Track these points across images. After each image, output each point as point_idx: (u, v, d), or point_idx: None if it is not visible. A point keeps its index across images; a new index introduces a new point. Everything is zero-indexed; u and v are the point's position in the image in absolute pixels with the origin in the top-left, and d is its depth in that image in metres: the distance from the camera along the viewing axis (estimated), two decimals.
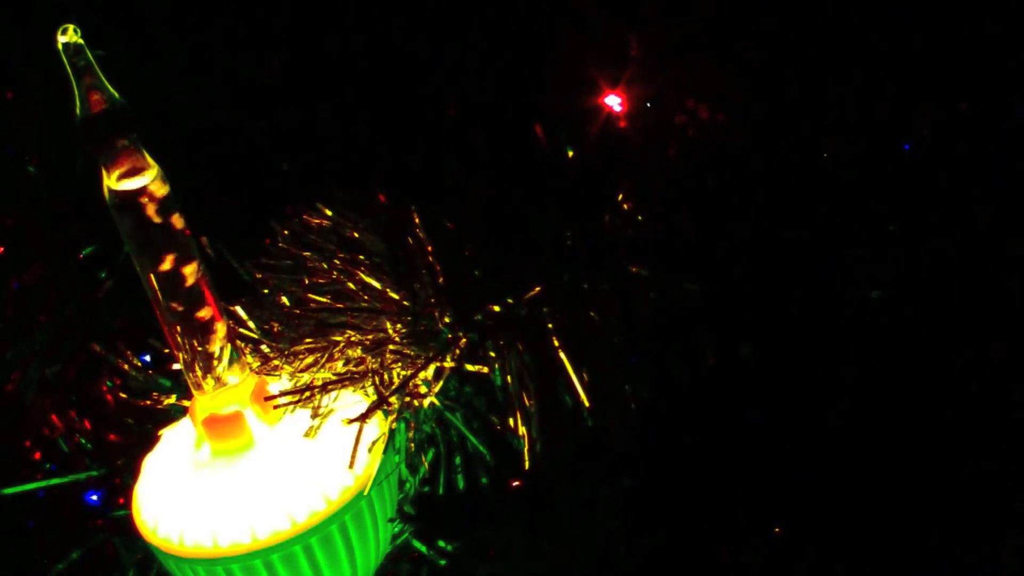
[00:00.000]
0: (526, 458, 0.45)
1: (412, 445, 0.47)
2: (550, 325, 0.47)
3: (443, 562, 0.50)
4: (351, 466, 0.45)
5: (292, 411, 0.47)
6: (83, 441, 0.59)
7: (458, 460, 0.49)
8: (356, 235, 0.53)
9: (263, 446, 0.46)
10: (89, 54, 0.40)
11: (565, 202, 0.52)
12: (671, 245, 0.50)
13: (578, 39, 0.57)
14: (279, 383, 0.50)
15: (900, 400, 0.49)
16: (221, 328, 0.45)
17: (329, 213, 0.54)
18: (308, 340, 0.49)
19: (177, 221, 0.43)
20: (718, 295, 0.49)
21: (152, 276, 0.43)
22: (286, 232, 0.54)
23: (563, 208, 0.52)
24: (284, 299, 0.52)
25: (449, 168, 0.57)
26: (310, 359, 0.49)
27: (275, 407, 0.47)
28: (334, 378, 0.47)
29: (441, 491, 0.49)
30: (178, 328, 0.44)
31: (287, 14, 0.62)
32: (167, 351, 0.53)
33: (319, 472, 0.45)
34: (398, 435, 0.47)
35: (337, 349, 0.48)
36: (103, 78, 0.40)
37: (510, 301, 0.48)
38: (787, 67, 0.52)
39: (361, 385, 0.48)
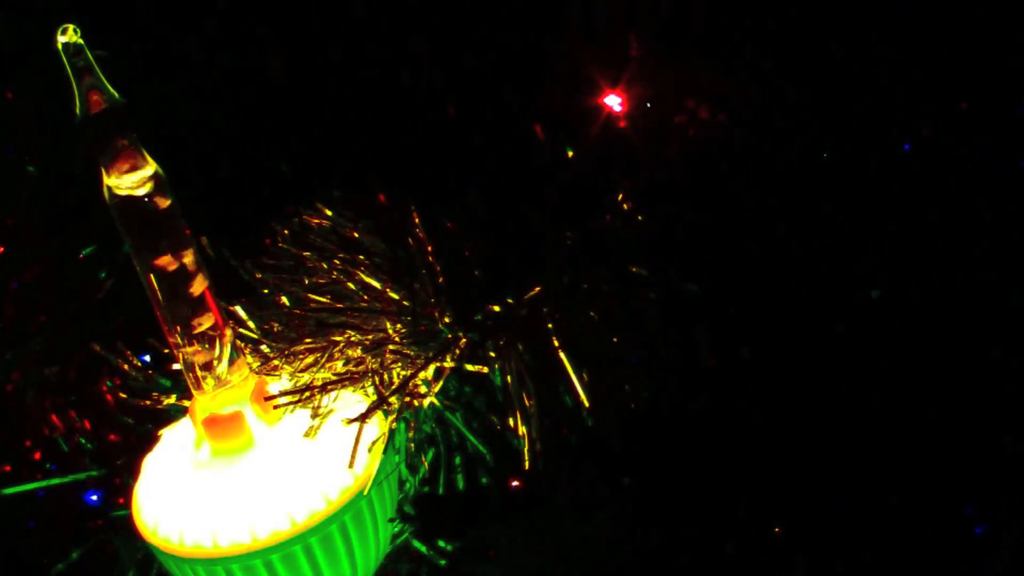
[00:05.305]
0: (526, 458, 0.45)
1: (412, 445, 0.47)
2: (550, 325, 0.47)
3: (443, 562, 0.50)
4: (351, 466, 0.45)
5: (292, 411, 0.47)
6: (83, 441, 0.59)
7: (458, 460, 0.49)
8: (356, 235, 0.53)
9: (263, 446, 0.46)
10: (89, 54, 0.40)
11: (565, 202, 0.52)
12: (671, 245, 0.50)
13: (578, 39, 0.57)
14: (279, 383, 0.50)
15: (901, 399, 0.49)
16: (221, 328, 0.45)
17: (329, 213, 0.54)
18: (308, 340, 0.49)
19: (177, 221, 0.43)
20: (718, 295, 0.49)
21: (152, 276, 0.43)
22: (286, 232, 0.54)
23: (563, 208, 0.52)
24: (284, 299, 0.52)
25: (449, 169, 0.57)
26: (310, 359, 0.49)
27: (275, 407, 0.47)
28: (334, 378, 0.47)
29: (441, 491, 0.49)
30: (178, 328, 0.44)
31: (287, 14, 0.62)
32: (167, 351, 0.53)
33: (319, 472, 0.45)
34: (398, 435, 0.47)
35: (337, 349, 0.48)
36: (103, 78, 0.40)
37: (510, 301, 0.48)
38: (787, 67, 0.52)
39: (361, 385, 0.48)
